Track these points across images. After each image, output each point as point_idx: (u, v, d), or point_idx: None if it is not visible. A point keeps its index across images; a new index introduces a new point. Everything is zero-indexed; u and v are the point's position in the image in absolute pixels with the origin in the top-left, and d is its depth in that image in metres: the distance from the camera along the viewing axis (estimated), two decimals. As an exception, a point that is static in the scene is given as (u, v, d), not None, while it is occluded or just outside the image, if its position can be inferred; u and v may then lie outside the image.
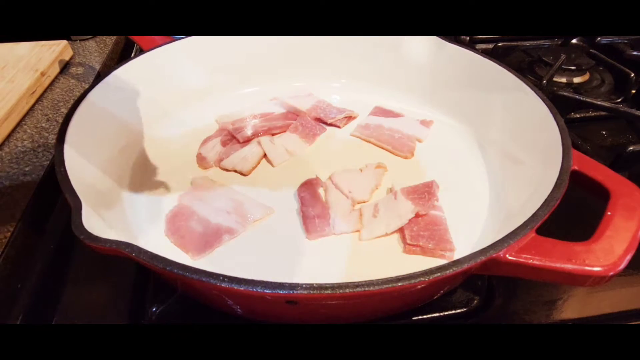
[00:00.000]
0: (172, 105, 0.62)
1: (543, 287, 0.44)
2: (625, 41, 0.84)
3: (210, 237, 0.46)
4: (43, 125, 0.60)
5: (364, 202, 0.51)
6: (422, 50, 0.65)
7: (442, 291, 0.41)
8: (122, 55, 0.84)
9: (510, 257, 0.34)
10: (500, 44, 0.82)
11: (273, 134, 0.61)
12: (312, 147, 0.60)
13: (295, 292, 0.30)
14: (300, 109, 0.65)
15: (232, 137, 0.59)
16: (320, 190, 0.52)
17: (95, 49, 0.79)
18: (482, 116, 0.59)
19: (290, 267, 0.44)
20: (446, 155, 0.57)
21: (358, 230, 0.47)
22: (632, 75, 0.71)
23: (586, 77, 0.74)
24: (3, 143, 0.56)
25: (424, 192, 0.50)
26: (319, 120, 0.64)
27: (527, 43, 0.83)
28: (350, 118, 0.65)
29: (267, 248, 0.46)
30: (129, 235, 0.45)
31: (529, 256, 0.34)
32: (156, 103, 0.60)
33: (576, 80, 0.74)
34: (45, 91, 0.66)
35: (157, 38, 0.62)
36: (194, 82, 0.65)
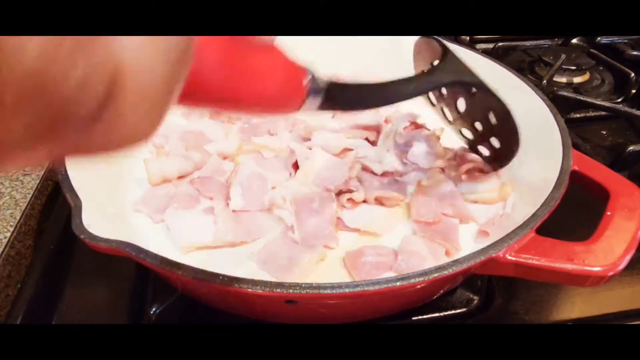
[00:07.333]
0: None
1: (543, 287, 0.44)
2: (625, 41, 0.84)
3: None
4: (43, 125, 0.59)
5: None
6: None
7: (442, 291, 0.41)
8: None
9: (510, 257, 0.34)
10: (500, 44, 0.82)
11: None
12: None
13: (294, 291, 0.30)
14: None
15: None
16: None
17: (95, 49, 0.79)
18: (482, 116, 0.59)
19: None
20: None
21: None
22: (632, 75, 0.71)
23: (586, 77, 0.74)
24: (3, 143, 0.56)
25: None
26: None
27: (527, 43, 0.83)
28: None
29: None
30: (130, 235, 0.45)
31: (528, 256, 0.34)
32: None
33: (576, 80, 0.74)
34: (45, 91, 0.66)
35: (157, 38, 0.62)
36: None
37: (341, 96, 0.34)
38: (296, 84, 0.29)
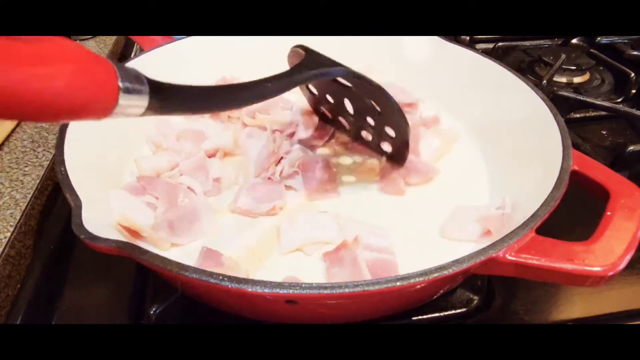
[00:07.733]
0: (172, 105, 0.62)
1: (543, 287, 0.44)
2: (625, 41, 0.84)
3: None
4: (43, 125, 0.60)
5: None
6: (422, 50, 0.65)
7: (442, 291, 0.41)
8: (122, 55, 0.84)
9: (509, 257, 0.34)
10: (500, 44, 0.82)
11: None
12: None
13: (294, 291, 0.30)
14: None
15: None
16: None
17: (95, 49, 0.79)
18: (481, 116, 0.59)
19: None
20: (445, 155, 0.57)
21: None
22: (632, 75, 0.71)
23: (586, 77, 0.75)
24: (3, 143, 0.56)
25: None
26: None
27: (527, 43, 0.83)
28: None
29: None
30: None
31: (528, 256, 0.34)
32: (156, 103, 0.60)
33: (576, 80, 0.74)
34: (45, 91, 0.66)
35: (157, 38, 0.62)
36: (195, 82, 0.64)
37: (175, 98, 0.32)
38: (98, 81, 0.25)
